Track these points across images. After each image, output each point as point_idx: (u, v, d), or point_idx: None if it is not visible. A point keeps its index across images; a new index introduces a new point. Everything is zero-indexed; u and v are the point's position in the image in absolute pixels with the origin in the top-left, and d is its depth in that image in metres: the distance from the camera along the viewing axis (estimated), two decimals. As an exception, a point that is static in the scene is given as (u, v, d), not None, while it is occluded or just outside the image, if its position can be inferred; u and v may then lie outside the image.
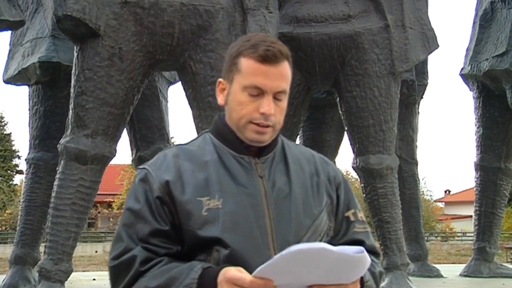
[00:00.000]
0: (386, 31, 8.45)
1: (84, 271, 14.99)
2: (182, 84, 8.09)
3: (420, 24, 8.82)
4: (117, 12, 7.18)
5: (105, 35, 7.17)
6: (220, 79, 1.80)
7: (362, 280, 1.65)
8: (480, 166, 11.48)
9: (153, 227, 1.66)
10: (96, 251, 24.67)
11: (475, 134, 11.65)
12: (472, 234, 13.48)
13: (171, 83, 10.43)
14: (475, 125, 11.64)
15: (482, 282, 10.32)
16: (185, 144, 1.84)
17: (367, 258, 1.49)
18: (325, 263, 1.46)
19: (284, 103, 1.74)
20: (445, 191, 51.39)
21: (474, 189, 11.93)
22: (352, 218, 1.84)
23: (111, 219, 33.30)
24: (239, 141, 1.76)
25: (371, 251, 1.82)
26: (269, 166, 1.77)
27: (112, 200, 32.07)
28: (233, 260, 1.60)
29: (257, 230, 1.66)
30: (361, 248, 1.47)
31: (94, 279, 10.36)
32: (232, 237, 1.64)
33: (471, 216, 12.05)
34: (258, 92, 1.69)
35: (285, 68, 1.72)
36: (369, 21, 8.48)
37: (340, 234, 1.83)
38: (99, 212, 32.56)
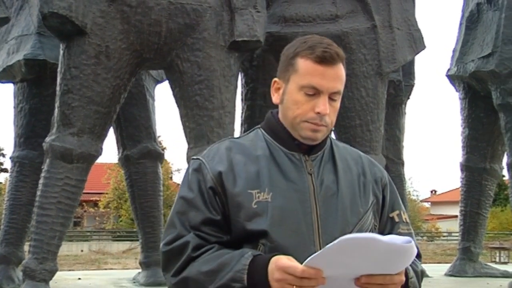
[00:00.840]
0: (373, 31, 8.47)
1: (69, 270, 14.87)
2: (169, 83, 8.06)
3: (407, 25, 8.85)
4: (104, 10, 7.14)
5: (91, 33, 7.14)
6: (275, 79, 1.85)
7: (406, 276, 1.68)
8: (466, 167, 11.55)
9: (205, 216, 1.71)
10: (82, 250, 24.48)
11: (461, 135, 11.71)
12: (457, 234, 13.56)
13: (158, 81, 10.41)
14: (461, 126, 11.70)
15: (467, 282, 10.40)
16: (238, 138, 1.90)
17: (414, 249, 1.52)
18: (374, 252, 1.48)
19: (337, 103, 1.79)
20: (431, 191, 51.65)
21: (460, 189, 12.01)
22: (396, 219, 1.89)
23: (97, 218, 33.06)
24: (291, 138, 1.80)
25: None
26: (318, 164, 1.81)
27: (98, 199, 31.79)
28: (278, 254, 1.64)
29: (304, 226, 1.71)
30: (409, 238, 1.50)
31: (79, 278, 10.29)
32: (279, 232, 1.68)
33: (456, 216, 12.12)
34: (314, 92, 1.73)
35: (341, 70, 1.76)
36: (356, 22, 8.50)
37: (385, 234, 1.85)
38: (85, 211, 32.28)
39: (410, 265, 1.75)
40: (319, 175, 1.79)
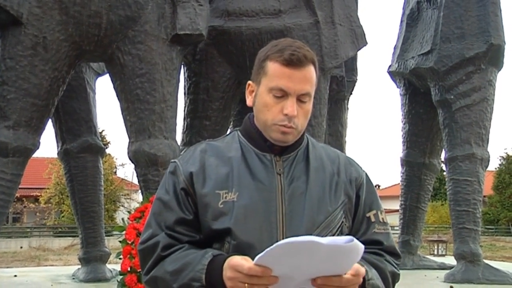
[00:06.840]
0: (316, 27, 8.53)
1: (7, 267, 14.50)
2: (110, 76, 7.92)
3: (349, 21, 8.95)
4: (41, 0, 6.94)
5: (28, 23, 6.93)
6: (249, 81, 1.89)
7: (364, 278, 1.68)
8: (406, 162, 11.80)
9: (179, 216, 1.78)
10: (21, 247, 23.88)
11: (402, 130, 11.95)
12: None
13: (99, 74, 10.21)
14: (402, 122, 11.94)
15: (405, 274, 10.60)
16: (216, 140, 1.95)
17: (358, 246, 1.51)
18: (317, 255, 1.48)
19: (308, 105, 1.82)
20: (375, 186, 52.65)
21: (400, 183, 12.26)
22: (373, 219, 1.91)
23: (37, 214, 32.23)
24: (263, 139, 1.84)
25: (390, 252, 1.89)
26: (290, 164, 1.84)
27: (39, 194, 30.92)
28: (241, 252, 1.67)
29: (268, 224, 1.74)
30: (351, 237, 1.50)
31: (15, 275, 10.00)
32: (242, 229, 1.72)
33: (398, 210, 12.41)
34: (282, 94, 1.76)
35: (310, 72, 1.78)
36: (299, 17, 8.54)
37: (360, 233, 1.88)
38: (25, 207, 31.40)
39: (378, 263, 1.80)
40: (289, 175, 1.82)
